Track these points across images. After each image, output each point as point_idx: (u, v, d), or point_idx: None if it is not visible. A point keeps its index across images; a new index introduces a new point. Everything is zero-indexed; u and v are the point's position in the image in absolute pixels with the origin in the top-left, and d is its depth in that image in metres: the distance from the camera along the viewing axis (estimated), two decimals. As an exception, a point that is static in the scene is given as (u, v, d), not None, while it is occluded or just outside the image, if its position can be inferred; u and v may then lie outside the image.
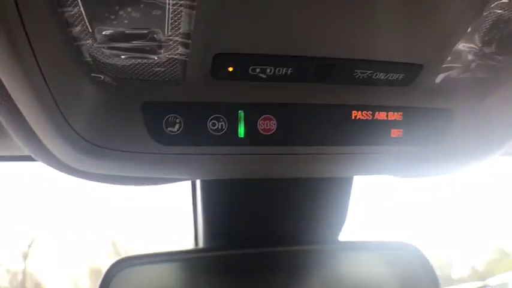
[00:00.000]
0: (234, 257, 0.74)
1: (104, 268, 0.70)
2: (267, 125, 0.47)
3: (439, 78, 0.49)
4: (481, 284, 8.32)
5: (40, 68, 0.38)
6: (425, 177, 0.64)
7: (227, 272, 0.74)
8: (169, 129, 0.45)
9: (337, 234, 0.79)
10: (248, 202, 0.73)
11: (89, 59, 0.41)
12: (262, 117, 0.47)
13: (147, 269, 0.72)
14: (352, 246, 0.80)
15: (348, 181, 0.74)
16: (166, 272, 0.73)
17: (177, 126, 0.45)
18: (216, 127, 0.46)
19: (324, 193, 0.75)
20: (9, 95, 0.42)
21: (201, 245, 0.80)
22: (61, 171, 0.53)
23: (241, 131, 0.47)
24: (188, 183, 0.88)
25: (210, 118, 0.46)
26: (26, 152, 0.52)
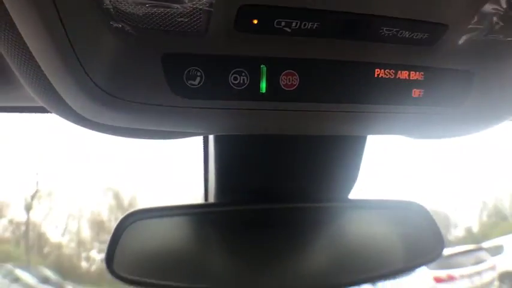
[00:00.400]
0: (245, 212, 0.75)
1: (116, 221, 0.70)
2: (289, 80, 0.46)
3: (462, 40, 0.48)
4: (475, 246, 8.52)
5: (59, 15, 0.36)
6: (441, 138, 0.64)
7: (237, 227, 0.75)
8: (190, 82, 0.44)
9: (348, 192, 0.79)
10: (261, 157, 0.73)
11: (110, 6, 0.39)
12: (284, 72, 0.46)
13: (157, 222, 0.73)
14: (361, 205, 0.81)
15: (362, 140, 0.73)
16: (177, 225, 0.74)
17: (198, 79, 0.44)
18: (237, 81, 0.45)
19: (337, 151, 0.75)
20: (25, 43, 0.41)
21: (211, 199, 0.81)
22: (75, 123, 0.52)
23: (263, 86, 0.46)
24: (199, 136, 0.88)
25: (231, 72, 0.45)
26: (38, 103, 0.51)
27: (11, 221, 32.89)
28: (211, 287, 0.72)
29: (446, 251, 8.73)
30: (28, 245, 29.59)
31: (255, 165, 0.74)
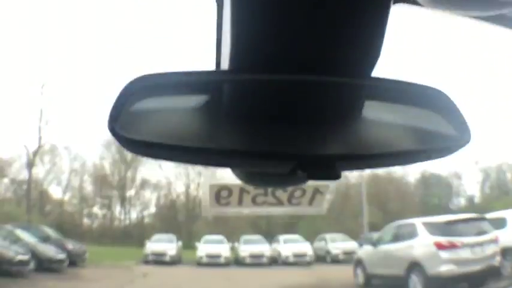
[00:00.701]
0: (262, 82, 0.70)
1: (123, 85, 0.66)
2: None
3: None
4: (478, 215, 8.46)
5: None
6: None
7: (252, 97, 0.70)
8: None
9: (370, 69, 0.74)
10: (281, 23, 0.68)
11: None
12: None
13: (167, 87, 0.68)
14: (384, 84, 0.76)
15: (385, 11, 0.68)
16: (186, 92, 0.69)
17: None
18: None
19: (360, 20, 0.69)
20: None
21: (224, 67, 0.76)
22: None
23: None
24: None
25: None
26: None
27: (12, 180, 33.30)
28: (219, 147, 0.68)
29: (448, 218, 8.77)
30: (29, 204, 30.08)
31: (274, 30, 0.69)
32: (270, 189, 1.01)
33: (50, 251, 12.07)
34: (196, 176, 37.14)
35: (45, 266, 11.11)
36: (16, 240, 11.72)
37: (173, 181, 37.39)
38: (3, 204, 29.76)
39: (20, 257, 9.73)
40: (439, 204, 33.37)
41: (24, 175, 32.84)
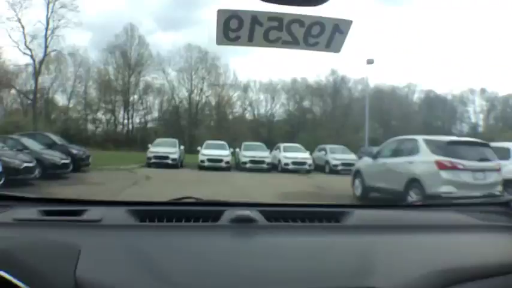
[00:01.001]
0: None
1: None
2: None
3: None
4: (481, 141, 8.09)
5: None
6: None
7: None
8: None
9: None
10: None
11: None
12: None
13: None
14: None
15: None
16: None
17: None
18: None
19: None
20: None
21: None
22: None
23: None
24: None
25: None
26: None
27: (19, 91, 33.32)
28: None
29: (451, 138, 8.36)
30: (35, 113, 30.36)
31: None
32: (285, 23, 0.95)
33: (54, 156, 12.34)
34: (199, 82, 36.76)
35: (49, 171, 11.42)
36: (23, 148, 11.96)
37: (176, 86, 37.17)
38: (10, 115, 29.84)
39: (25, 165, 9.95)
40: (441, 127, 33.40)
41: (30, 85, 32.51)
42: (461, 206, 1.61)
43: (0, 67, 30.20)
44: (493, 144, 8.36)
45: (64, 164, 12.28)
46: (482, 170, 7.37)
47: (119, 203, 1.37)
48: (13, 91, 32.75)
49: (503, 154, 8.32)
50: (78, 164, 13.89)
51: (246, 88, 39.33)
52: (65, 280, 0.79)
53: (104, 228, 1.12)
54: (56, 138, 15.97)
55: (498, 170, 7.56)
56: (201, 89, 38.00)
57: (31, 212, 1.14)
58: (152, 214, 1.22)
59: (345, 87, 39.97)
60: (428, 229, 1.25)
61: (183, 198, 1.41)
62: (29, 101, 31.46)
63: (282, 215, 1.28)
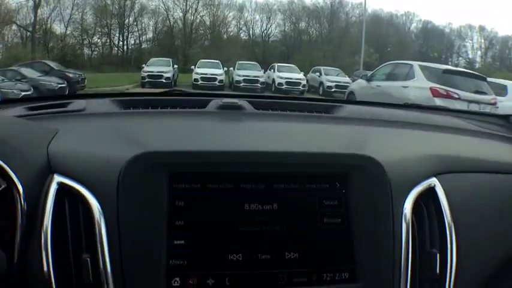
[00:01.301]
0: None
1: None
2: None
3: None
4: (478, 73, 7.81)
5: None
6: None
7: None
8: None
9: None
10: None
11: None
12: None
13: None
14: None
15: None
16: None
17: None
18: None
19: None
20: None
21: None
22: None
23: None
24: None
25: None
26: None
27: (19, 26, 32.33)
28: None
29: (447, 67, 8.13)
30: (34, 43, 29.80)
31: None
32: None
33: (51, 82, 12.98)
34: (194, 1, 35.50)
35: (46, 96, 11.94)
36: (21, 78, 12.39)
37: (171, 6, 35.96)
38: (10, 49, 29.31)
39: (23, 94, 10.29)
40: (438, 59, 33.01)
41: (30, 19, 31.80)
42: (460, 113, 1.58)
43: (4, 6, 29.66)
44: (490, 79, 8.16)
45: (60, 88, 12.82)
46: (478, 103, 7.21)
47: (103, 94, 1.37)
48: (14, 27, 32.34)
49: (500, 91, 8.23)
50: (74, 87, 14.33)
51: (241, 8, 38.23)
52: (38, 154, 0.78)
53: (87, 116, 1.10)
54: (53, 64, 16.67)
55: (494, 104, 7.40)
56: (196, 9, 36.94)
57: (17, 110, 1.12)
58: (137, 103, 1.21)
59: (342, 11, 38.98)
60: (424, 126, 1.21)
61: (171, 90, 1.42)
62: (29, 33, 31.30)
63: (271, 106, 1.27)
